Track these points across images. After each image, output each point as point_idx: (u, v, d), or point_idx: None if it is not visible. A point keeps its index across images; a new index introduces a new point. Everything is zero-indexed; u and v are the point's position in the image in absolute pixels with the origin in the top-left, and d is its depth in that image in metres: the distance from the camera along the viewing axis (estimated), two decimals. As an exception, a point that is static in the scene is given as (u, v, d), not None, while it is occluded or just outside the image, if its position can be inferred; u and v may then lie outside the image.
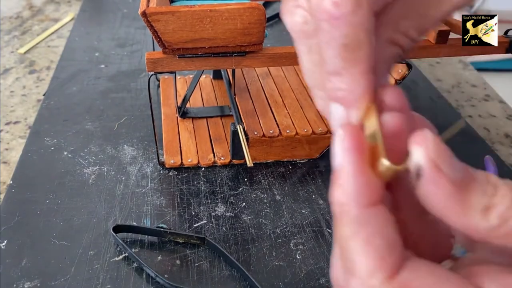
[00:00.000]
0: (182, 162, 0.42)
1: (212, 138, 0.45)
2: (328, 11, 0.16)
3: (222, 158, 0.43)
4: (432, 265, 0.16)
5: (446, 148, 0.16)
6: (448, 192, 0.15)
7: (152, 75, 0.36)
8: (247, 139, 0.41)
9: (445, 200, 0.15)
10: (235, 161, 0.43)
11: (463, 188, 0.15)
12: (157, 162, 0.43)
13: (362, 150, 0.16)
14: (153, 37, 0.33)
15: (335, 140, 0.16)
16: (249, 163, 0.39)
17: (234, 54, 0.35)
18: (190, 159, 0.43)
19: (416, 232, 0.18)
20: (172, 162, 0.42)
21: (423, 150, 0.15)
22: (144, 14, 0.31)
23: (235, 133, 0.41)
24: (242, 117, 0.43)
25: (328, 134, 0.43)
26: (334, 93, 0.17)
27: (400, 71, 0.38)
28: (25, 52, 0.64)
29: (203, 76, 0.54)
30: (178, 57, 0.35)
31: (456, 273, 0.16)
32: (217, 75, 0.54)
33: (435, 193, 0.15)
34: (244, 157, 0.40)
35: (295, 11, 0.17)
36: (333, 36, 0.16)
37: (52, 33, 0.69)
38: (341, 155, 0.16)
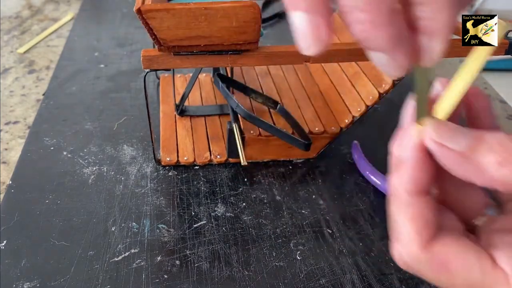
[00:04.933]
0: (178, 160, 0.42)
1: (209, 137, 0.45)
2: None
3: (218, 156, 0.43)
4: (457, 237, 0.20)
5: (447, 124, 0.19)
6: (459, 161, 0.18)
7: (148, 72, 0.36)
8: (243, 138, 0.41)
9: (460, 167, 0.19)
10: (231, 160, 0.43)
11: (472, 153, 0.18)
12: (155, 161, 0.43)
13: (424, 151, 0.19)
14: (149, 34, 0.33)
15: (406, 134, 0.20)
16: (243, 162, 0.39)
17: (229, 52, 0.35)
18: (186, 157, 0.43)
19: (456, 195, 0.22)
20: (168, 159, 0.42)
21: (426, 135, 0.19)
22: (139, 11, 0.31)
23: (231, 132, 0.41)
24: (239, 115, 0.43)
25: (324, 134, 0.43)
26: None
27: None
28: (24, 52, 0.64)
29: (203, 74, 0.54)
30: (174, 55, 0.35)
31: (477, 243, 0.20)
32: (217, 74, 0.54)
33: (450, 165, 0.19)
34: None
35: None
36: None
37: (52, 32, 0.69)
38: (408, 150, 0.20)
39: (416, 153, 0.20)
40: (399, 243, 0.21)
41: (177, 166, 0.43)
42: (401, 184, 0.20)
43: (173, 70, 0.49)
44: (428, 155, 0.20)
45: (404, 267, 0.21)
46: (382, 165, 0.42)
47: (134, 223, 0.37)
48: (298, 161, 0.44)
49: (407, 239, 0.20)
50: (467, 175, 0.19)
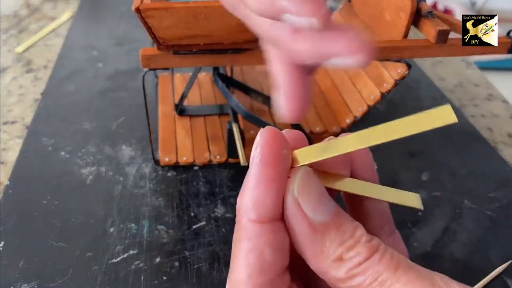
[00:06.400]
0: (177, 160, 0.42)
1: (208, 137, 0.45)
2: None
3: (218, 156, 0.43)
4: None
5: (317, 189, 0.16)
6: (304, 231, 0.16)
7: (146, 71, 0.36)
8: (242, 138, 0.41)
9: (302, 238, 0.16)
10: (231, 160, 0.43)
11: (321, 232, 0.16)
12: (154, 161, 0.42)
13: (274, 164, 0.16)
14: (148, 33, 0.32)
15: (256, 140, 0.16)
16: (243, 162, 0.38)
17: (229, 51, 0.34)
18: (185, 157, 0.42)
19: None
20: (167, 160, 0.42)
21: (288, 186, 0.16)
22: (137, 10, 0.30)
23: (230, 132, 0.41)
24: (238, 115, 0.42)
25: (325, 134, 0.43)
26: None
27: (399, 71, 0.38)
28: (22, 51, 0.63)
29: (202, 74, 0.54)
30: (173, 54, 0.34)
31: None
32: (216, 73, 0.53)
33: (294, 229, 0.16)
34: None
35: None
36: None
37: (50, 31, 0.69)
38: (251, 161, 0.16)
39: (265, 167, 0.16)
40: (229, 280, 0.17)
41: (176, 166, 0.42)
42: (242, 204, 0.16)
43: (172, 69, 0.49)
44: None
45: None
46: (382, 166, 0.42)
47: (133, 224, 0.36)
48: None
49: (235, 278, 0.16)
50: (302, 250, 0.16)
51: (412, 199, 0.19)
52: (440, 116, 0.15)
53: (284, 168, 0.16)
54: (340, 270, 0.15)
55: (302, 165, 0.17)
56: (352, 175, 0.19)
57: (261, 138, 0.16)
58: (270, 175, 0.16)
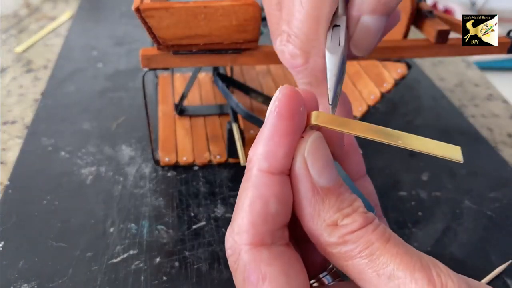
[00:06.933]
0: (177, 160, 0.42)
1: (208, 137, 0.45)
2: (289, 62, 0.21)
3: (218, 156, 0.43)
4: (288, 264, 0.16)
5: (326, 155, 0.17)
6: (306, 191, 0.17)
7: (146, 71, 0.36)
8: (242, 138, 0.41)
9: (302, 197, 0.17)
10: (231, 160, 0.43)
11: (321, 196, 0.17)
12: (154, 161, 0.42)
13: (290, 118, 0.17)
14: (148, 33, 0.32)
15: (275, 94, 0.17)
16: (243, 162, 0.38)
17: (229, 51, 0.34)
18: (185, 157, 0.42)
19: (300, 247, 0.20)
20: (167, 160, 0.42)
21: (300, 145, 0.17)
22: (137, 10, 0.30)
23: (230, 132, 0.41)
24: (238, 115, 0.42)
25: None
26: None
27: (399, 71, 0.38)
28: (22, 51, 0.63)
29: (202, 73, 0.54)
30: (173, 54, 0.34)
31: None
32: (216, 73, 0.53)
33: (297, 187, 0.17)
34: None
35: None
36: (299, 80, 0.21)
37: (50, 31, 0.69)
38: (268, 114, 0.17)
39: (282, 120, 0.17)
40: (231, 228, 0.17)
41: (176, 166, 0.42)
42: (254, 154, 0.17)
43: (172, 69, 0.49)
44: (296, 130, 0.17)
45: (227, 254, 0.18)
46: (383, 166, 0.42)
47: (132, 224, 0.36)
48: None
49: (238, 226, 0.17)
50: (299, 210, 0.17)
51: (451, 150, 0.17)
52: (450, 151, 0.16)
53: (299, 124, 0.17)
54: (333, 235, 0.16)
55: (315, 126, 0.17)
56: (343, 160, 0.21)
57: (281, 93, 0.17)
58: (285, 128, 0.17)
